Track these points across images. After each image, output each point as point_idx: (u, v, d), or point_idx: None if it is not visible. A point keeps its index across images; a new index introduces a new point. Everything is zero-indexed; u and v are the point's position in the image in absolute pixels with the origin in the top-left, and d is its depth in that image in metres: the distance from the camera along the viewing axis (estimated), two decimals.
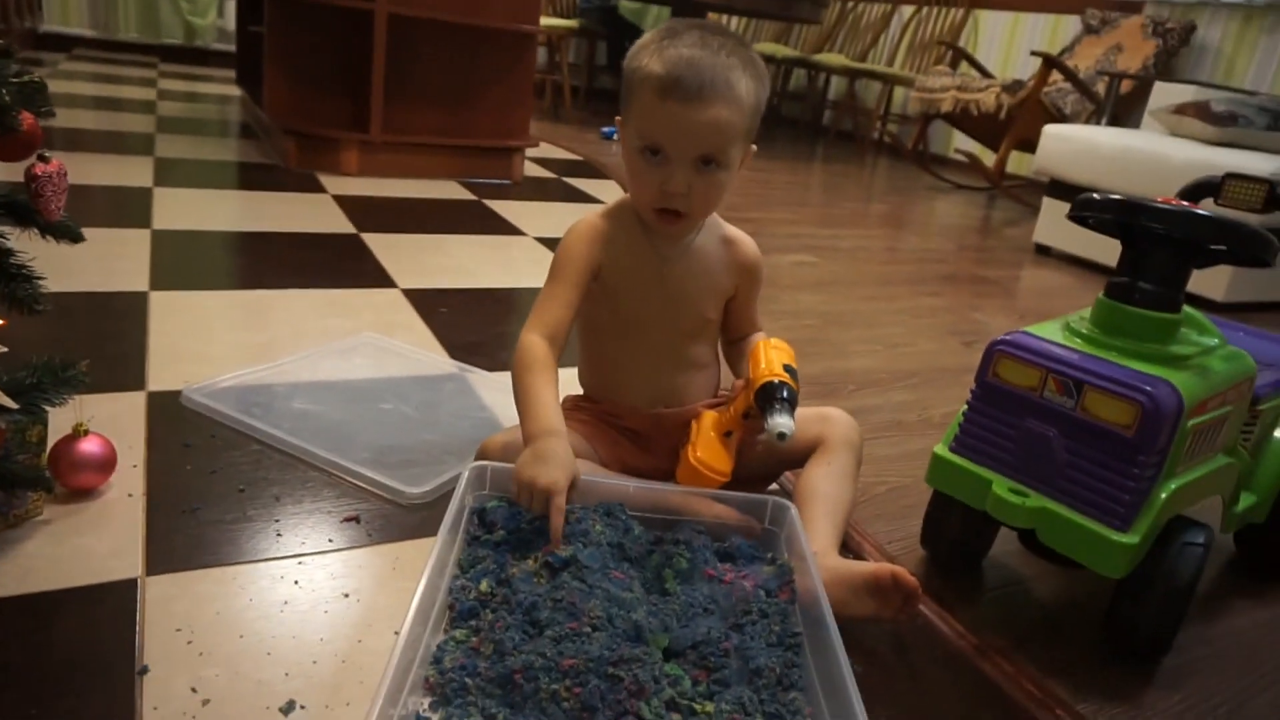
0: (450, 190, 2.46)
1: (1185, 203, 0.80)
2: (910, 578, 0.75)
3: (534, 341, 0.84)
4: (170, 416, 1.01)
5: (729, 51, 0.80)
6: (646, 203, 0.85)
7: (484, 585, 0.72)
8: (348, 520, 0.86)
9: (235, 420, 1.00)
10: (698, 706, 0.63)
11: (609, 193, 2.74)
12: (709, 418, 0.86)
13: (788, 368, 0.83)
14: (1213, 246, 0.79)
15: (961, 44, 4.62)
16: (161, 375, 1.11)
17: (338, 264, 1.66)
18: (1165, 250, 0.79)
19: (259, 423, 1.00)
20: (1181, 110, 2.55)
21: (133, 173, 2.16)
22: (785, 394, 0.80)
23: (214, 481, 0.89)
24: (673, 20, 0.83)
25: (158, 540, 0.79)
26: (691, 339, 0.93)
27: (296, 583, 0.76)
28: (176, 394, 1.05)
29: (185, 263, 1.56)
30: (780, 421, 0.78)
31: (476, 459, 0.88)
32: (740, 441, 0.86)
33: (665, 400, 0.92)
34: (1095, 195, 0.81)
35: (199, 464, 0.92)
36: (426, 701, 0.62)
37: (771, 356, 0.84)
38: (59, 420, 0.82)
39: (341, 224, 1.94)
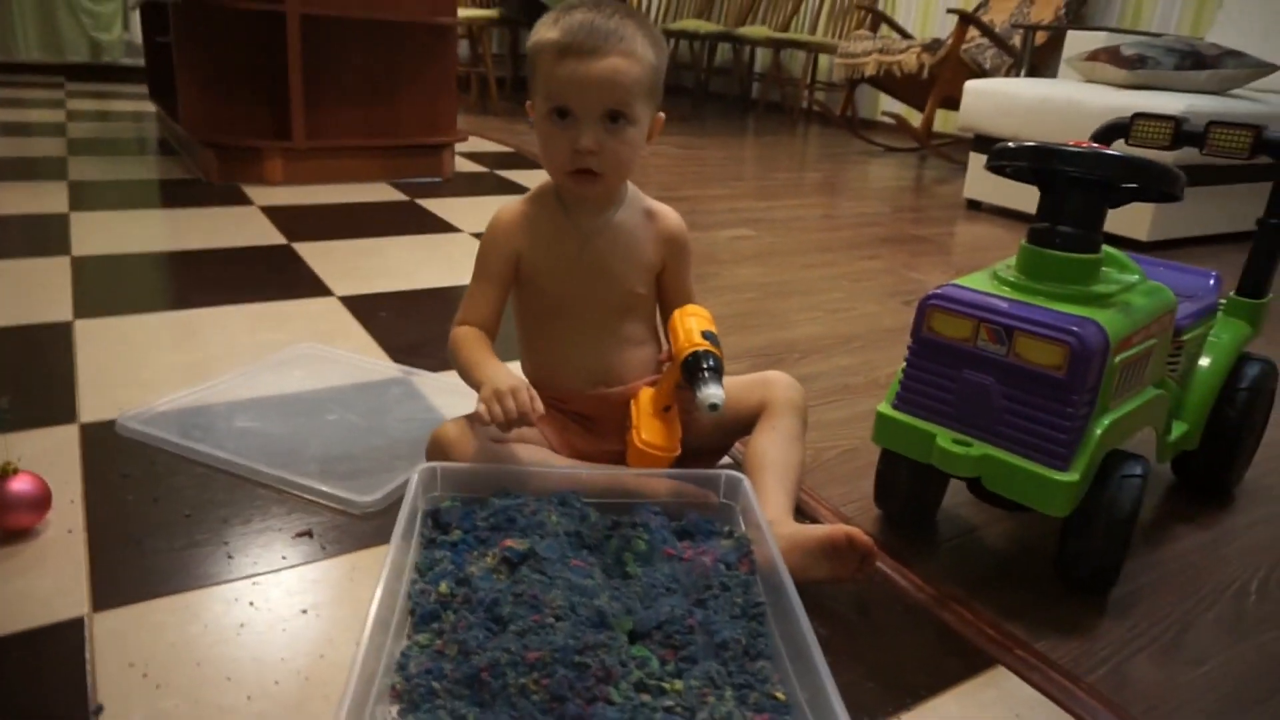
0: (380, 192, 2.42)
1: (1096, 145, 0.82)
2: (865, 537, 0.76)
3: (462, 328, 0.91)
4: (106, 447, 0.98)
5: (622, 15, 0.84)
6: (560, 167, 0.86)
7: (443, 587, 0.71)
8: (300, 535, 0.85)
9: (175, 445, 0.98)
10: (667, 685, 0.64)
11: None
12: (646, 395, 0.86)
13: (707, 334, 0.83)
14: (1124, 185, 0.81)
15: (880, 7, 4.67)
16: (93, 405, 1.07)
17: (270, 276, 1.63)
18: (1079, 193, 0.81)
19: (200, 445, 0.98)
20: (1094, 57, 2.61)
21: (46, 199, 2.08)
22: (710, 363, 0.80)
23: (157, 509, 0.87)
24: (570, 1, 0.86)
25: (103, 574, 0.77)
26: (622, 315, 0.93)
27: (252, 604, 0.75)
28: (111, 423, 1.02)
29: (110, 288, 1.51)
30: (710, 393, 0.78)
31: (430, 448, 0.87)
32: (682, 414, 0.86)
33: (604, 379, 0.92)
34: (1010, 144, 0.83)
35: (140, 493, 0.90)
36: (395, 709, 0.62)
37: (690, 325, 0.84)
38: None
39: (271, 235, 1.90)
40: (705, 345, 0.81)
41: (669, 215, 0.95)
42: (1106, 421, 0.79)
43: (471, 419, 0.86)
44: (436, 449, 0.86)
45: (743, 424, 0.94)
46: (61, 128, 3.13)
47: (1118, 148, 0.87)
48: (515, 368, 0.96)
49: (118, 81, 4.63)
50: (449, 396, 1.17)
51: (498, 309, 0.92)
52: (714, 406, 0.77)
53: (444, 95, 2.66)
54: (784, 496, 0.85)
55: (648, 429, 0.84)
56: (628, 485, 0.83)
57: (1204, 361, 1.00)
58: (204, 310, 1.43)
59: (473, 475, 0.83)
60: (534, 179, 2.74)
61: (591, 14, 0.82)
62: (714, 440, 0.96)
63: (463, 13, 4.12)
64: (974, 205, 2.84)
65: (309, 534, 0.85)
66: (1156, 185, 0.79)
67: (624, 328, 0.93)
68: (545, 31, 0.84)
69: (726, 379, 0.84)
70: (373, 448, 1.02)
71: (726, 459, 1.01)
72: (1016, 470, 0.78)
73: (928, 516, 0.96)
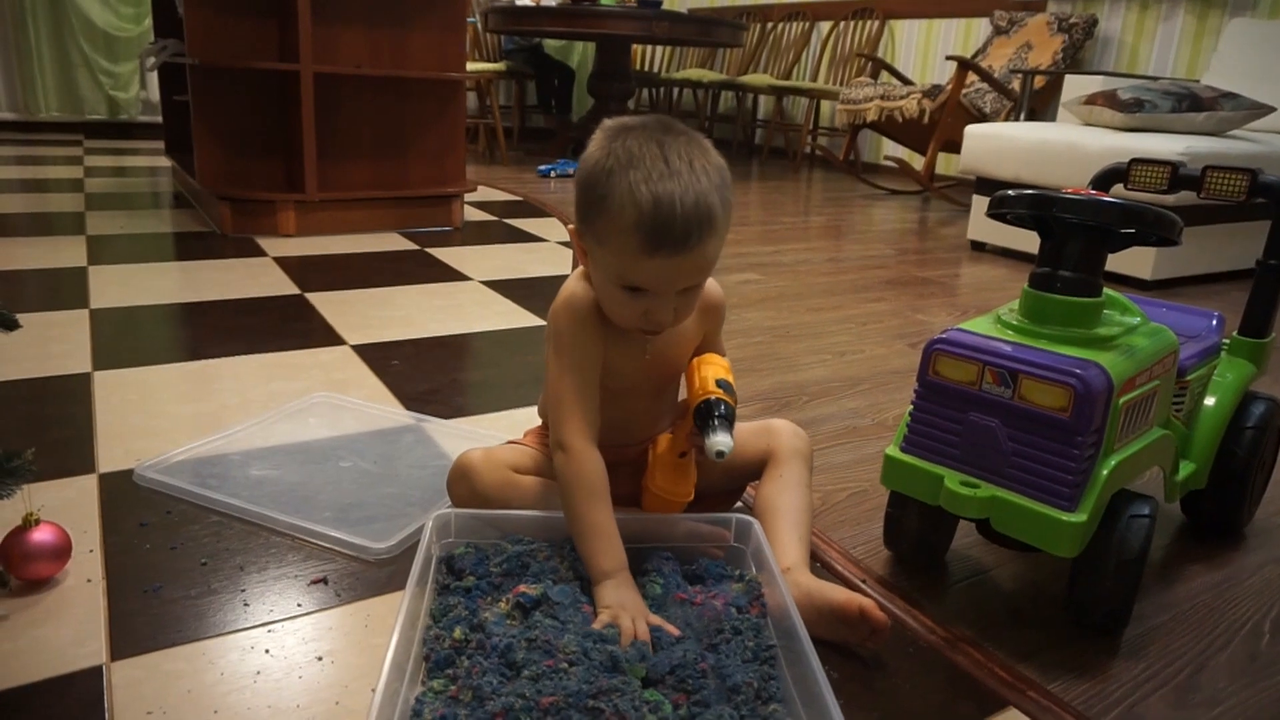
0: (391, 242, 2.46)
1: (1094, 191, 0.84)
2: (879, 613, 0.75)
3: (592, 458, 0.80)
4: (124, 497, 0.99)
5: (695, 165, 0.74)
6: (628, 326, 0.81)
7: (457, 633, 0.72)
8: (315, 583, 0.85)
9: (191, 494, 0.99)
10: None
11: (551, 230, 2.76)
12: (663, 441, 0.87)
13: (721, 382, 0.83)
14: (1123, 230, 0.83)
15: (880, 54, 4.76)
16: (112, 455, 1.09)
17: (283, 326, 1.65)
18: (1079, 238, 0.82)
19: (216, 494, 0.99)
20: (1091, 100, 2.65)
21: (65, 254, 2.12)
22: (720, 411, 0.80)
23: (174, 558, 0.88)
24: (627, 126, 0.77)
25: (121, 623, 0.78)
26: (666, 390, 0.93)
27: (268, 651, 0.75)
28: (129, 473, 1.04)
29: (127, 339, 1.54)
30: (717, 440, 0.78)
31: (452, 475, 0.90)
32: (697, 458, 0.87)
33: (633, 439, 0.92)
34: (1010, 192, 0.85)
35: (158, 542, 0.91)
36: None
37: (706, 373, 0.85)
38: (8, 512, 0.80)
39: (284, 285, 1.93)
40: (718, 393, 0.82)
41: (711, 286, 0.91)
42: (1113, 462, 0.79)
43: (492, 450, 0.87)
44: (460, 475, 0.89)
45: (749, 471, 0.95)
46: (79, 183, 3.20)
47: (1116, 192, 0.89)
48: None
49: (135, 138, 4.74)
50: (460, 442, 1.18)
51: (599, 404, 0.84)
52: (720, 454, 0.78)
53: (453, 147, 2.71)
54: (798, 543, 0.86)
55: (662, 474, 0.85)
56: (639, 529, 0.84)
57: (1209, 401, 1.01)
58: (219, 360, 1.45)
59: (486, 521, 0.84)
60: (543, 226, 2.78)
61: (670, 184, 0.72)
62: (721, 485, 0.97)
63: (471, 66, 4.22)
64: (978, 246, 2.87)
65: (324, 581, 0.86)
66: (1154, 231, 0.81)
67: (664, 398, 0.93)
68: (619, 195, 0.73)
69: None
70: (386, 495, 1.03)
71: (739, 504, 1.02)
72: (1024, 511, 0.78)
73: (937, 558, 0.96)
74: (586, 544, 0.78)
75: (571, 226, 0.83)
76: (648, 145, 0.75)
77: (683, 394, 0.90)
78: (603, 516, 0.79)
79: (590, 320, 0.83)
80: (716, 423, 0.80)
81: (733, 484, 0.99)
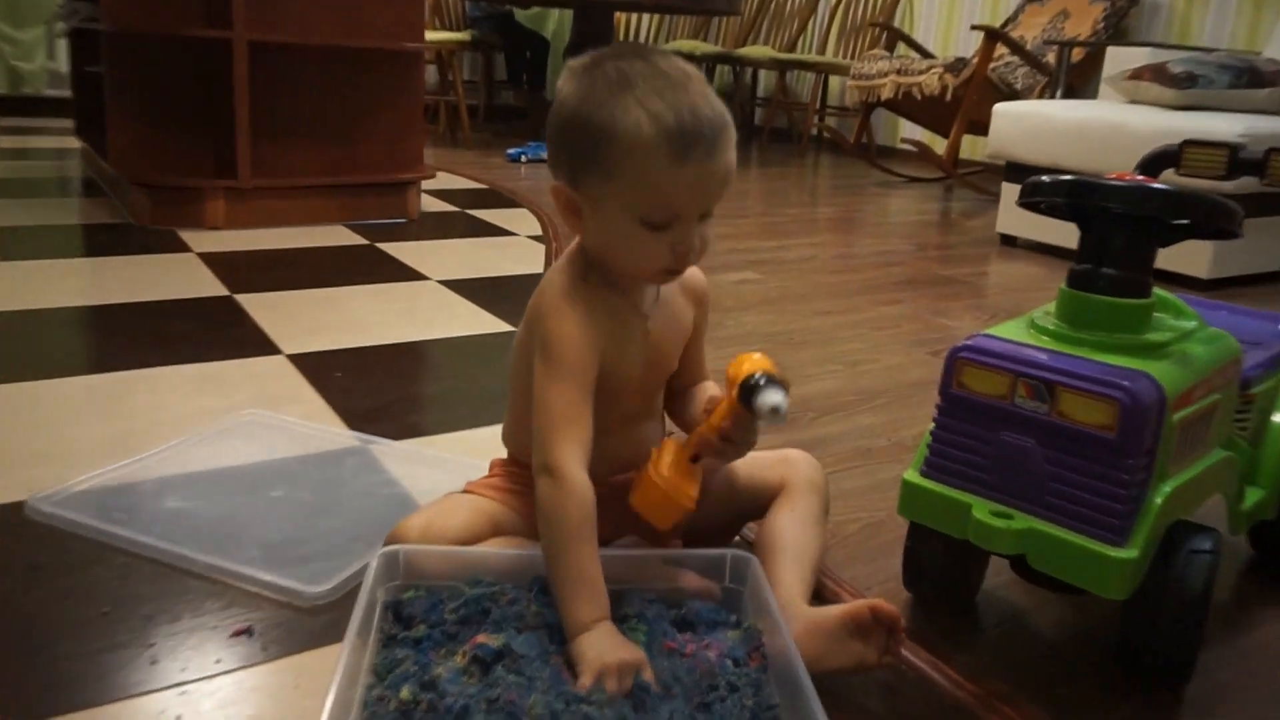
0: (337, 236, 2.45)
1: (1141, 177, 0.83)
2: (889, 606, 0.76)
3: (583, 486, 0.77)
4: (13, 533, 0.97)
5: (689, 74, 0.78)
6: (650, 271, 0.82)
7: (405, 692, 0.70)
8: (238, 634, 0.84)
9: (94, 529, 0.97)
10: None
11: (520, 223, 2.75)
12: (672, 444, 0.85)
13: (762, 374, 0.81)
14: (1174, 221, 0.82)
15: (896, 23, 4.79)
16: (0, 485, 1.07)
17: (209, 333, 1.63)
18: (1125, 231, 0.82)
19: (123, 529, 0.97)
20: (1138, 75, 2.67)
21: None
22: (772, 379, 0.78)
23: (71, 606, 0.86)
24: (602, 55, 0.80)
25: (4, 685, 0.75)
26: (657, 393, 0.93)
27: (180, 718, 0.73)
28: (20, 505, 1.02)
29: (23, 349, 1.52)
30: (767, 398, 0.75)
31: (388, 546, 0.86)
32: (704, 473, 0.86)
33: (626, 465, 0.90)
34: (1044, 178, 0.84)
35: (52, 587, 0.89)
36: None
37: (752, 362, 0.82)
38: None
39: (210, 286, 1.91)
40: (770, 369, 0.80)
41: (694, 272, 0.92)
42: (1167, 488, 0.79)
43: (435, 518, 0.85)
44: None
45: (758, 504, 0.94)
46: None
47: (1166, 179, 0.89)
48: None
49: (41, 115, 4.70)
50: (414, 465, 1.16)
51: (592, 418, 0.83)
52: (776, 410, 0.75)
53: (410, 128, 2.71)
54: (798, 581, 0.85)
55: (669, 466, 0.82)
56: (619, 568, 0.82)
57: (1278, 418, 1.00)
58: (131, 373, 1.43)
59: (441, 559, 0.82)
60: (509, 219, 2.78)
61: (679, 93, 0.76)
62: (723, 519, 0.96)
63: (430, 35, 4.22)
64: (1008, 241, 2.88)
65: (248, 632, 0.84)
66: (1211, 221, 0.80)
67: (654, 405, 0.93)
68: (633, 117, 0.75)
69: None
70: (324, 529, 1.01)
71: (736, 539, 1.01)
72: (1066, 546, 0.77)
73: (965, 600, 0.95)
74: (566, 590, 0.76)
75: (555, 185, 0.83)
76: (634, 64, 0.77)
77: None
78: (589, 561, 0.76)
79: (588, 315, 0.82)
80: (768, 384, 0.77)
81: (735, 520, 0.98)
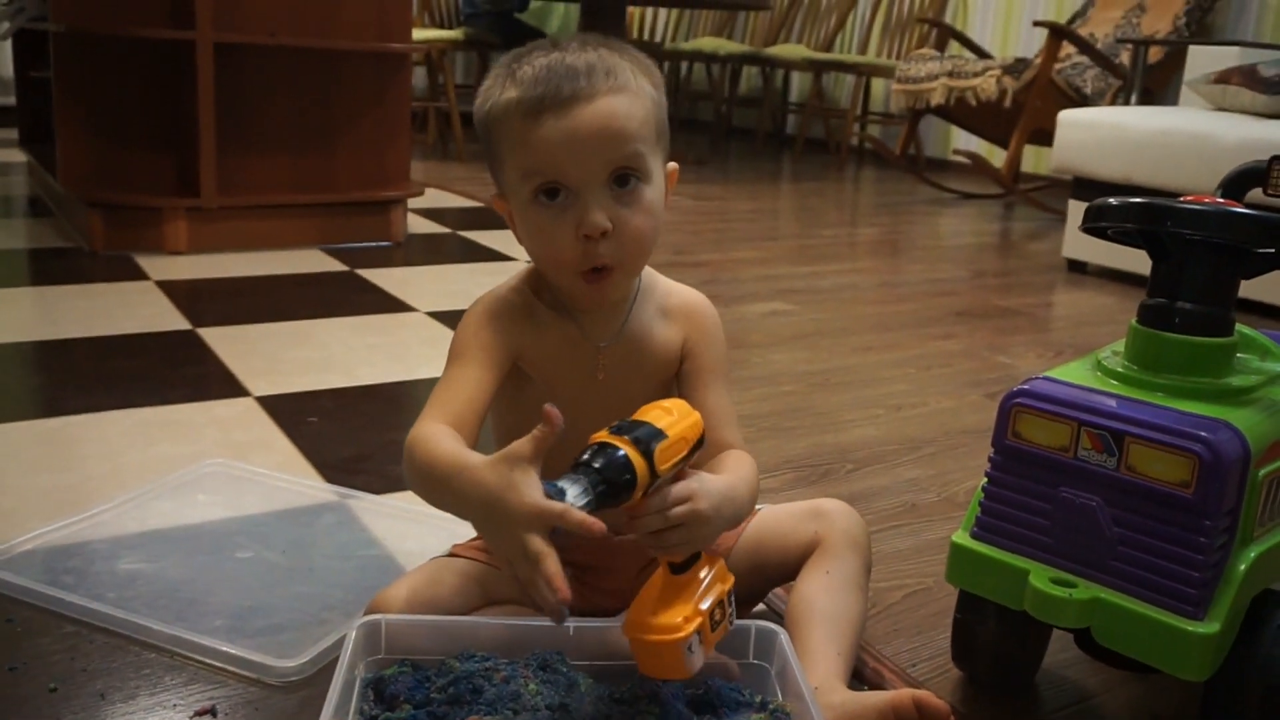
0: (313, 261, 2.48)
1: (1223, 200, 0.85)
2: (939, 701, 0.76)
3: (427, 426, 0.81)
4: None
5: (594, 46, 0.84)
6: (567, 266, 0.84)
7: None
8: (200, 714, 0.84)
9: (40, 595, 0.99)
10: None
11: (518, 246, 2.76)
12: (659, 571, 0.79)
13: (638, 424, 0.73)
14: (1260, 250, 0.83)
15: (948, 19, 4.84)
16: None
17: (168, 371, 1.65)
18: (1204, 260, 0.83)
19: (73, 595, 0.98)
20: (1225, 78, 2.70)
21: None
22: (600, 454, 0.70)
23: (14, 682, 0.87)
24: (513, 53, 0.86)
25: None
26: None
27: None
28: None
29: None
30: (566, 491, 0.68)
31: (368, 615, 0.87)
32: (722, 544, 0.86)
33: (616, 521, 0.90)
34: (1110, 200, 0.86)
35: None
36: None
37: (649, 411, 0.76)
38: None
39: (170, 318, 1.94)
40: (606, 437, 0.72)
41: (688, 291, 0.94)
42: (1252, 554, 0.79)
43: (421, 585, 0.86)
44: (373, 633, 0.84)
45: (787, 565, 0.94)
46: None
47: (1253, 199, 0.90)
48: None
49: None
50: (397, 522, 1.18)
51: (486, 399, 0.86)
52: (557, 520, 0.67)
53: (395, 139, 2.74)
54: (835, 656, 0.85)
55: (640, 601, 0.77)
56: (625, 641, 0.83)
57: None
58: (83, 417, 1.45)
59: (427, 631, 0.83)
60: (506, 241, 2.80)
61: (556, 53, 0.82)
62: (748, 586, 0.96)
63: (419, 34, 4.29)
64: (1076, 267, 2.89)
65: (211, 712, 0.85)
66: None
67: None
68: (500, 90, 0.83)
69: (767, 507, 0.83)
70: (296, 595, 1.02)
71: (760, 606, 1.01)
72: (1136, 618, 0.78)
73: (1024, 680, 0.95)
74: (434, 488, 0.78)
75: (494, 195, 0.90)
76: (534, 52, 0.84)
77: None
78: (440, 447, 0.78)
79: (496, 310, 0.90)
80: (586, 456, 0.70)
81: (762, 586, 0.98)
